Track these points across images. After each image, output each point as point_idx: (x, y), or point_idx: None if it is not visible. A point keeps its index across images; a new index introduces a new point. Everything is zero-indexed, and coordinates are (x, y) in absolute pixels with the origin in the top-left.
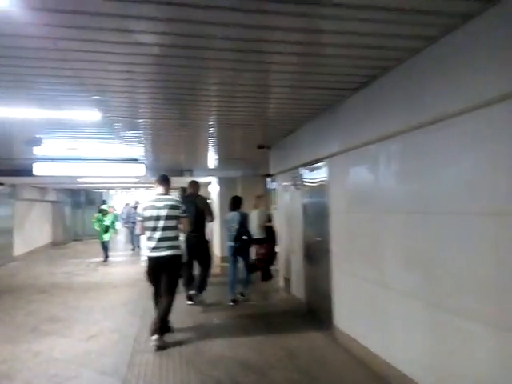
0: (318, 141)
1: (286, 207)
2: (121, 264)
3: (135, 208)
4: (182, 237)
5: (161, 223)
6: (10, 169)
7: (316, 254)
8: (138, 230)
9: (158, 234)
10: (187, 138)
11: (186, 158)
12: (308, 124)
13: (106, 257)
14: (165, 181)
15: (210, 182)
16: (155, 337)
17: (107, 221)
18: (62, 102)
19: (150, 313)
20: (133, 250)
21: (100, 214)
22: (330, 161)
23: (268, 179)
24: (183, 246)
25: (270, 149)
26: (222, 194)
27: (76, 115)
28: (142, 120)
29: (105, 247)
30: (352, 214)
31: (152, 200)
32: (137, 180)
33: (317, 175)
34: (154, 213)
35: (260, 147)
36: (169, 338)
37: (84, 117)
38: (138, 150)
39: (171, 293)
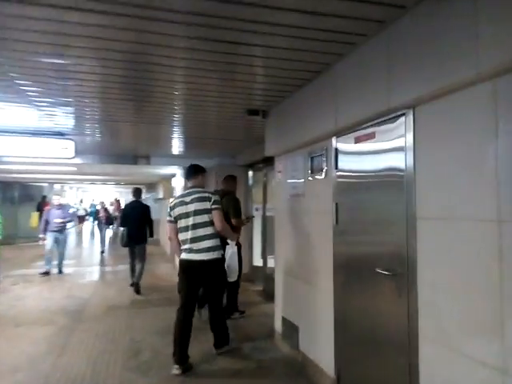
0: (393, 74)
1: (291, 209)
2: (50, 281)
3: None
4: None
5: (191, 220)
6: None
7: (374, 299)
8: (168, 234)
9: (189, 235)
10: (138, 95)
11: (139, 135)
12: (362, 49)
13: None
14: (194, 171)
15: (174, 175)
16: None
17: None
18: None
19: None
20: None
21: None
22: (420, 113)
23: (250, 172)
24: None
25: (267, 116)
26: None
27: None
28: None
29: None
30: None
31: (180, 195)
32: (76, 169)
33: (378, 147)
34: (183, 209)
35: (251, 113)
36: None
37: None
38: (60, 116)
39: (216, 307)
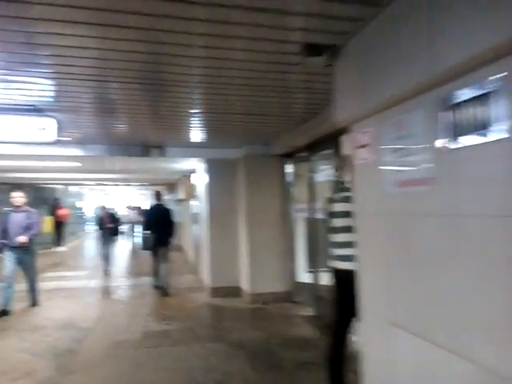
0: None
1: (400, 210)
2: (51, 295)
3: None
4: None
5: (334, 222)
6: None
7: None
8: None
9: (333, 238)
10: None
11: (146, 111)
12: None
13: None
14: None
15: (193, 171)
16: None
17: None
18: None
19: None
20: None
21: None
22: None
23: (289, 163)
24: None
25: (338, 57)
26: (212, 188)
27: None
28: None
29: None
30: None
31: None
32: (80, 164)
33: None
34: (330, 208)
35: (311, 51)
36: None
37: None
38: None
39: (338, 329)
